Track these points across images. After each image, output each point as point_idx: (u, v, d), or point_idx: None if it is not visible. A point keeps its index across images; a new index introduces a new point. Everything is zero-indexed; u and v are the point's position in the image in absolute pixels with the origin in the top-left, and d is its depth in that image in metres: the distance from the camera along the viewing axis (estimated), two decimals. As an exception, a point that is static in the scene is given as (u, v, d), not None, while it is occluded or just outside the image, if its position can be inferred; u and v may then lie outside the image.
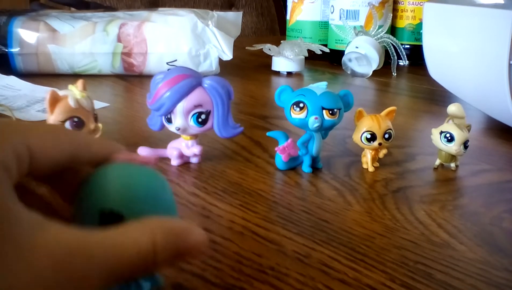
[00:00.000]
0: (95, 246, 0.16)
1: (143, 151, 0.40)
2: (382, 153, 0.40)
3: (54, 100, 0.37)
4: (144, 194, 0.20)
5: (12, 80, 0.64)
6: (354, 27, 0.82)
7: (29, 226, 0.16)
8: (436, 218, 0.32)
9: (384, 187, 0.37)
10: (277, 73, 0.79)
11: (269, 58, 0.81)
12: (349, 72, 0.80)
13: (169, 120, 0.38)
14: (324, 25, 0.92)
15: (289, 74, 0.79)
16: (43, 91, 0.60)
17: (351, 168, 0.41)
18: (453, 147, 0.39)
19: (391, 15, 0.86)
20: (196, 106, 0.37)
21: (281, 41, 0.81)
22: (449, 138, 0.39)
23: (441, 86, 0.61)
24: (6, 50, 0.68)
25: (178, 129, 0.38)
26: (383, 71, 0.80)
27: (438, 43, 0.58)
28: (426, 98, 0.68)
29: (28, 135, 0.18)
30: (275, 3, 1.61)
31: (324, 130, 0.38)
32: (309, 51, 0.80)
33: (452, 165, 0.40)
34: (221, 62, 0.72)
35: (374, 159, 0.40)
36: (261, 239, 0.29)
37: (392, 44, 0.80)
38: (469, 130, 0.40)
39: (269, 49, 0.79)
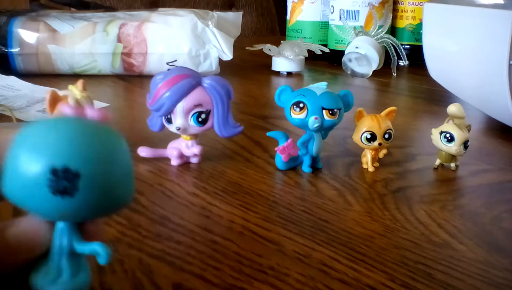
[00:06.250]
0: None
1: (143, 151, 0.40)
2: (382, 153, 0.40)
3: (54, 100, 0.37)
4: (103, 150, 0.17)
5: (12, 80, 0.64)
6: (354, 27, 0.82)
7: None
8: (436, 218, 0.32)
9: (384, 187, 0.37)
10: (277, 73, 0.79)
11: (269, 58, 0.81)
12: (349, 72, 0.80)
13: (169, 120, 0.38)
14: (324, 25, 0.92)
15: (289, 74, 0.79)
16: (43, 91, 0.60)
17: (351, 168, 0.41)
18: (453, 147, 0.39)
19: (391, 15, 0.86)
20: (196, 106, 0.37)
21: (281, 41, 0.81)
22: (449, 138, 0.39)
23: (441, 86, 0.61)
24: (6, 50, 0.68)
25: (179, 129, 0.38)
26: (383, 71, 0.80)
27: (438, 43, 0.58)
28: (426, 98, 0.68)
29: None
30: (275, 3, 1.61)
31: (324, 130, 0.38)
32: (309, 51, 0.80)
33: (452, 165, 0.40)
34: (221, 62, 0.72)
35: (374, 159, 0.40)
36: (261, 239, 0.29)
37: (392, 44, 0.80)
38: (469, 130, 0.40)
39: (269, 49, 0.79)
